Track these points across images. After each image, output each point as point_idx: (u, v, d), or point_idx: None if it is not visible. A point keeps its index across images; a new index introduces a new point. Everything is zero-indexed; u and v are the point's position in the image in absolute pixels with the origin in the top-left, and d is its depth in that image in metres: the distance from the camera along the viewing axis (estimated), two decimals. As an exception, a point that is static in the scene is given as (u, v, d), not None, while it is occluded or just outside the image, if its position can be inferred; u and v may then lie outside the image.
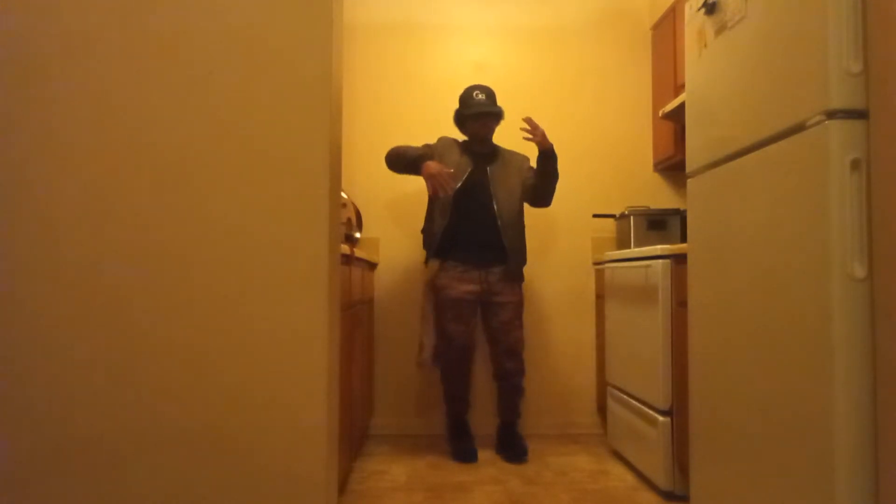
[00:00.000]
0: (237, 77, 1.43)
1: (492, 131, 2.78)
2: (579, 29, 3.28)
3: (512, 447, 2.67)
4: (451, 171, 2.60)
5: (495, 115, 2.73)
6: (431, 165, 2.59)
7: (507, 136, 3.10)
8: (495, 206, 2.71)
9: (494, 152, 2.82)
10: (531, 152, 2.86)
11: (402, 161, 2.70)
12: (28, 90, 1.41)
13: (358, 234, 3.06)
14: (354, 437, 2.34)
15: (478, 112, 2.69)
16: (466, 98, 2.74)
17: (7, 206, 1.40)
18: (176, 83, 1.43)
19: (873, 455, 1.21)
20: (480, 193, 2.72)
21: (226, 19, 1.43)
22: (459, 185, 2.67)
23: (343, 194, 2.90)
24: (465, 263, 2.69)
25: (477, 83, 2.79)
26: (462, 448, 2.69)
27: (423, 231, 2.84)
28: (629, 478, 2.43)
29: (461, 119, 2.78)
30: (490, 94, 2.74)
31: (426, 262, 2.83)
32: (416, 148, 2.72)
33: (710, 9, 1.75)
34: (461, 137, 2.87)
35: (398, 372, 3.16)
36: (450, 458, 2.69)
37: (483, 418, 3.03)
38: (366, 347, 2.73)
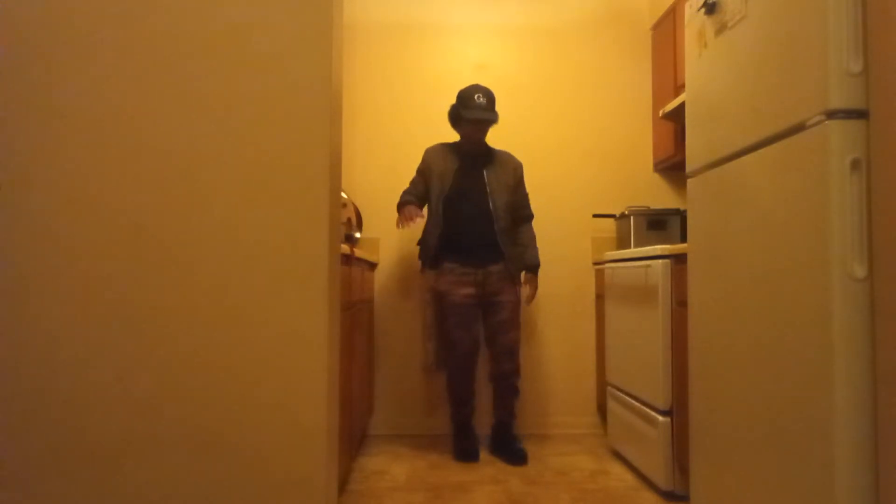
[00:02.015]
0: (237, 77, 1.43)
1: (484, 135, 2.77)
2: (579, 29, 3.28)
3: (511, 450, 2.67)
4: (419, 213, 2.69)
5: (491, 122, 2.72)
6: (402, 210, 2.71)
7: (503, 136, 3.11)
8: (491, 206, 2.71)
9: (489, 153, 2.80)
10: (523, 157, 2.89)
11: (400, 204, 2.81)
12: (28, 91, 1.41)
13: (358, 234, 3.07)
14: (354, 437, 2.34)
15: (476, 118, 2.66)
16: (467, 99, 2.70)
17: (7, 206, 1.40)
18: (176, 83, 1.43)
19: (873, 455, 1.21)
20: (475, 194, 2.72)
21: (225, 19, 1.43)
22: (447, 190, 2.72)
23: (343, 194, 2.90)
24: (464, 265, 2.69)
25: (478, 84, 2.77)
26: (465, 448, 2.70)
27: (420, 243, 2.85)
28: (629, 478, 2.43)
29: (456, 117, 2.75)
30: (491, 98, 2.71)
31: (422, 270, 2.84)
32: (405, 194, 2.80)
33: (710, 9, 1.75)
34: (452, 138, 2.86)
35: (398, 372, 3.16)
36: (450, 458, 2.69)
37: (483, 418, 3.03)
38: (366, 347, 2.73)
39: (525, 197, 2.87)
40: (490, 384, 2.84)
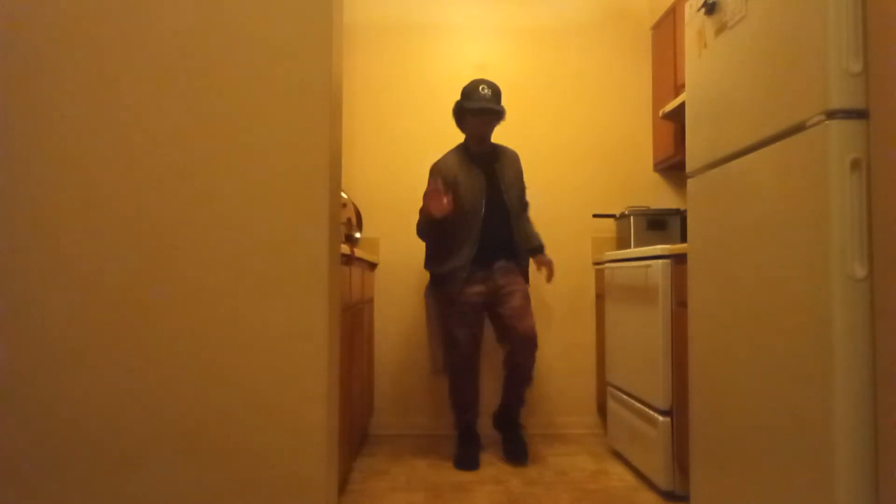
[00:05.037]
0: (237, 77, 1.43)
1: (491, 130, 2.69)
2: (579, 29, 3.28)
3: (513, 443, 2.63)
4: (446, 195, 2.54)
5: (497, 114, 2.63)
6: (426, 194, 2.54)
7: (503, 136, 3.10)
8: (510, 208, 2.68)
9: (495, 151, 2.76)
10: (523, 157, 2.88)
11: (424, 223, 2.67)
12: (29, 89, 1.41)
13: (358, 234, 3.07)
14: (354, 437, 2.34)
15: (481, 107, 2.57)
16: (471, 91, 2.61)
17: (8, 205, 1.40)
18: (176, 82, 1.43)
19: (873, 455, 1.21)
20: (500, 207, 2.66)
21: (226, 19, 1.43)
22: (483, 214, 2.61)
23: (343, 194, 2.90)
24: (473, 266, 2.63)
25: (483, 77, 2.73)
26: (464, 456, 2.60)
27: (433, 260, 2.73)
28: (629, 478, 2.43)
29: (461, 112, 2.66)
30: (496, 91, 2.63)
31: (436, 287, 2.73)
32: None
33: (710, 9, 1.75)
34: (452, 138, 2.82)
35: (398, 372, 3.16)
36: (451, 459, 2.68)
37: (485, 419, 3.03)
38: (366, 347, 2.73)
39: (525, 188, 2.84)
40: (503, 370, 2.70)
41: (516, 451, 2.62)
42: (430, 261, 2.77)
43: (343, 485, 2.27)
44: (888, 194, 1.17)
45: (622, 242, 3.02)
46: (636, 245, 2.84)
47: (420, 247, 3.05)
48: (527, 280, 2.76)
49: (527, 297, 2.65)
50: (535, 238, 2.81)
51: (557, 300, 3.22)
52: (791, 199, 1.37)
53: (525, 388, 2.70)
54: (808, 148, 1.31)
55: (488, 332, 2.86)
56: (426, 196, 2.54)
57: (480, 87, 2.61)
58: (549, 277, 2.76)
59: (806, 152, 1.32)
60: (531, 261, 2.81)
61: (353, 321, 2.22)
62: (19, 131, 1.41)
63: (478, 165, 2.69)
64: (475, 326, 2.64)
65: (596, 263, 3.17)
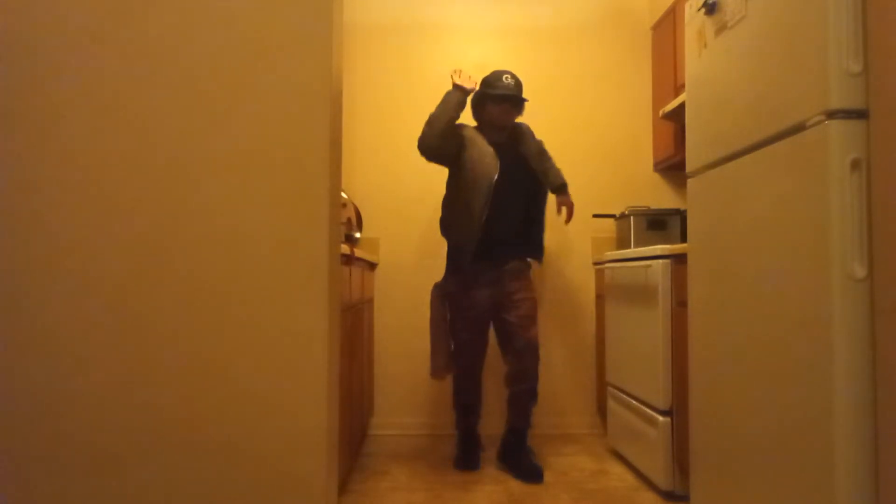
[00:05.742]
0: (237, 77, 1.43)
1: (512, 121, 2.62)
2: (579, 29, 3.28)
3: (525, 466, 2.45)
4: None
5: (519, 104, 2.56)
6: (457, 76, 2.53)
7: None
8: (533, 190, 2.62)
9: (514, 134, 2.65)
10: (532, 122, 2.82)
11: (438, 116, 2.54)
12: (29, 89, 1.41)
13: (358, 234, 3.06)
14: (354, 437, 2.34)
15: (504, 94, 2.51)
16: (494, 80, 2.55)
17: (8, 205, 1.40)
18: (176, 82, 1.43)
19: (873, 455, 1.21)
20: (518, 182, 2.56)
21: (226, 19, 1.43)
22: (493, 197, 2.49)
23: (343, 194, 2.90)
24: (483, 263, 2.53)
25: (506, 69, 2.64)
26: (465, 456, 2.59)
27: (449, 221, 2.64)
28: (629, 478, 2.43)
29: (481, 101, 2.58)
30: (519, 82, 2.57)
31: (447, 277, 2.66)
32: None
33: (710, 9, 1.75)
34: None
35: (398, 372, 3.16)
36: (451, 458, 2.68)
37: (488, 419, 3.01)
38: (366, 347, 2.73)
39: (541, 143, 2.70)
40: (505, 387, 2.59)
41: (532, 472, 2.42)
42: (447, 223, 2.66)
43: (343, 485, 2.27)
44: (888, 194, 1.17)
45: (622, 242, 3.02)
46: (636, 245, 2.84)
47: (420, 247, 3.06)
48: (530, 276, 2.67)
49: (535, 307, 2.58)
50: (559, 176, 2.64)
51: (557, 300, 3.22)
52: (791, 198, 1.37)
53: (531, 405, 2.56)
54: (808, 148, 1.31)
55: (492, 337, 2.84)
56: (454, 72, 2.53)
57: (504, 77, 2.56)
58: (569, 219, 2.63)
59: (806, 152, 1.32)
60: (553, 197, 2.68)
61: (353, 321, 2.22)
62: (19, 133, 1.41)
63: (495, 149, 2.56)
64: (482, 330, 2.59)
65: (596, 263, 3.17)
